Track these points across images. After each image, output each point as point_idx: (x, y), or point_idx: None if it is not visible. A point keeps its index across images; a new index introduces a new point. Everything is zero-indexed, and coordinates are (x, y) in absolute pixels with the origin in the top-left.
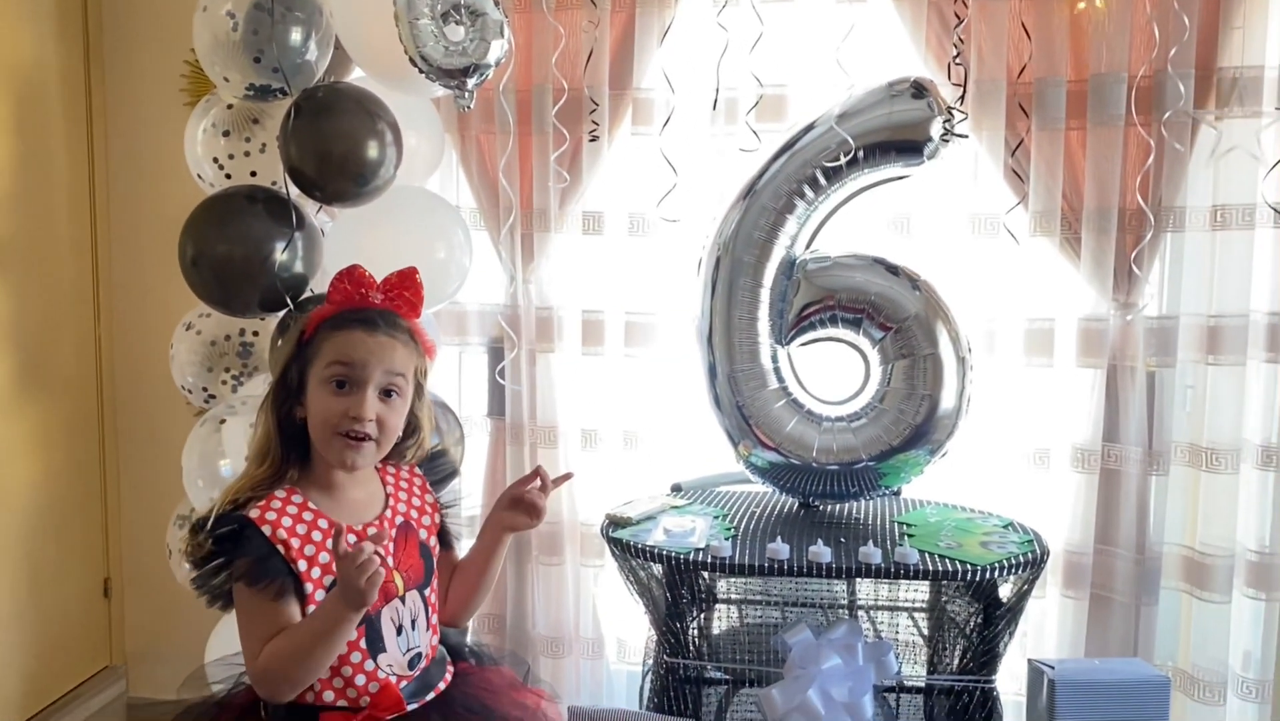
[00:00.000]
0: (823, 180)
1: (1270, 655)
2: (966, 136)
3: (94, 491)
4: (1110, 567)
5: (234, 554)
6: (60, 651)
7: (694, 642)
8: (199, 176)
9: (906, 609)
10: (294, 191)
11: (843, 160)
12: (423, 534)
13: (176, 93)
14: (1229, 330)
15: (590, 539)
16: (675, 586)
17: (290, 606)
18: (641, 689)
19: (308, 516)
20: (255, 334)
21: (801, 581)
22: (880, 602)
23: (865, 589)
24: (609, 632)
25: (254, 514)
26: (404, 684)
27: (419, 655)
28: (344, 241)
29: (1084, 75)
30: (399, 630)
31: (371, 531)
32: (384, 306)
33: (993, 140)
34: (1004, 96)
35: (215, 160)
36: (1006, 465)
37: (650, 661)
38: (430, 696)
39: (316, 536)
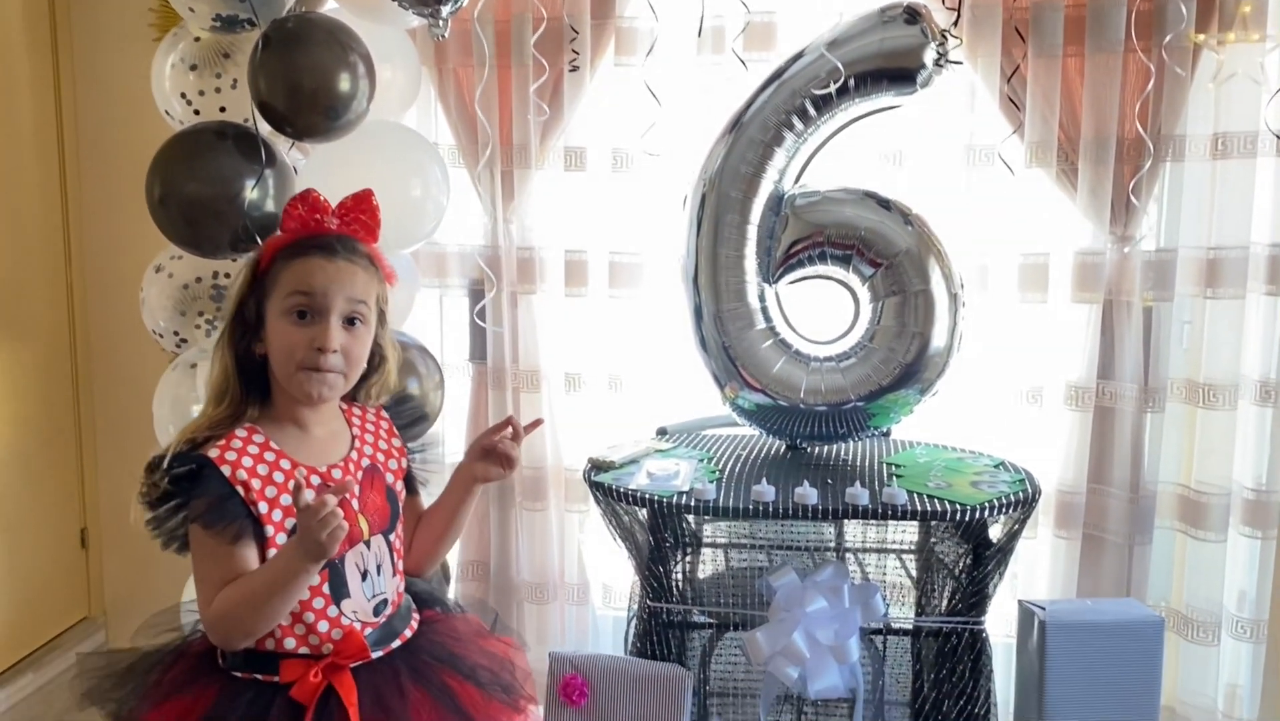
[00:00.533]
0: (812, 111)
1: (1266, 594)
2: (961, 63)
3: (69, 440)
4: (1103, 507)
5: (191, 494)
6: (38, 603)
7: (678, 587)
8: (167, 113)
9: (895, 551)
10: (264, 127)
11: (832, 88)
12: (389, 477)
13: (144, 27)
14: (1228, 263)
15: (574, 484)
16: (659, 530)
17: (248, 550)
18: (627, 634)
19: (269, 456)
20: (228, 275)
21: (788, 524)
22: (868, 545)
23: (853, 531)
24: (594, 578)
25: (213, 453)
26: (368, 631)
27: (384, 601)
28: (316, 179)
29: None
30: (364, 575)
31: (336, 474)
32: (340, 231)
33: (988, 67)
34: (1000, 21)
35: (183, 96)
36: (998, 404)
37: (635, 606)
38: (395, 644)
39: (278, 478)
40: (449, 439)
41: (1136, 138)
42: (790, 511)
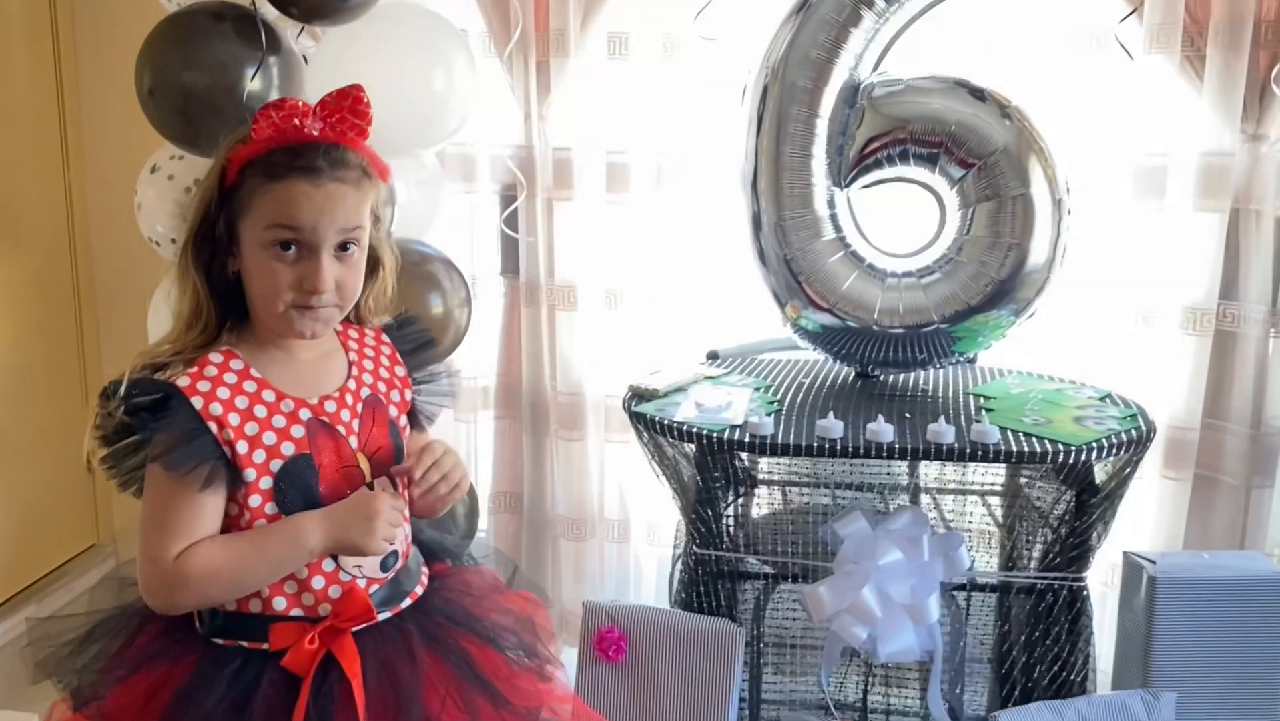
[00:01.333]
0: None
1: None
2: None
3: (71, 357)
4: (1219, 445)
5: (153, 428)
6: (43, 530)
7: (729, 532)
8: None
9: (978, 492)
10: (267, 8)
11: None
12: (392, 410)
13: None
14: None
15: (615, 412)
16: (707, 469)
17: (216, 499)
18: (671, 579)
19: (249, 386)
20: None
21: (856, 461)
22: (947, 486)
23: (930, 470)
24: (636, 515)
25: (183, 381)
26: (373, 588)
27: (393, 554)
28: (327, 68)
29: None
30: None
31: (330, 406)
32: (324, 138)
33: None
34: None
35: None
36: (1103, 327)
37: (680, 549)
38: (405, 604)
39: (260, 411)
40: (479, 359)
41: (1277, 17)
42: (861, 450)
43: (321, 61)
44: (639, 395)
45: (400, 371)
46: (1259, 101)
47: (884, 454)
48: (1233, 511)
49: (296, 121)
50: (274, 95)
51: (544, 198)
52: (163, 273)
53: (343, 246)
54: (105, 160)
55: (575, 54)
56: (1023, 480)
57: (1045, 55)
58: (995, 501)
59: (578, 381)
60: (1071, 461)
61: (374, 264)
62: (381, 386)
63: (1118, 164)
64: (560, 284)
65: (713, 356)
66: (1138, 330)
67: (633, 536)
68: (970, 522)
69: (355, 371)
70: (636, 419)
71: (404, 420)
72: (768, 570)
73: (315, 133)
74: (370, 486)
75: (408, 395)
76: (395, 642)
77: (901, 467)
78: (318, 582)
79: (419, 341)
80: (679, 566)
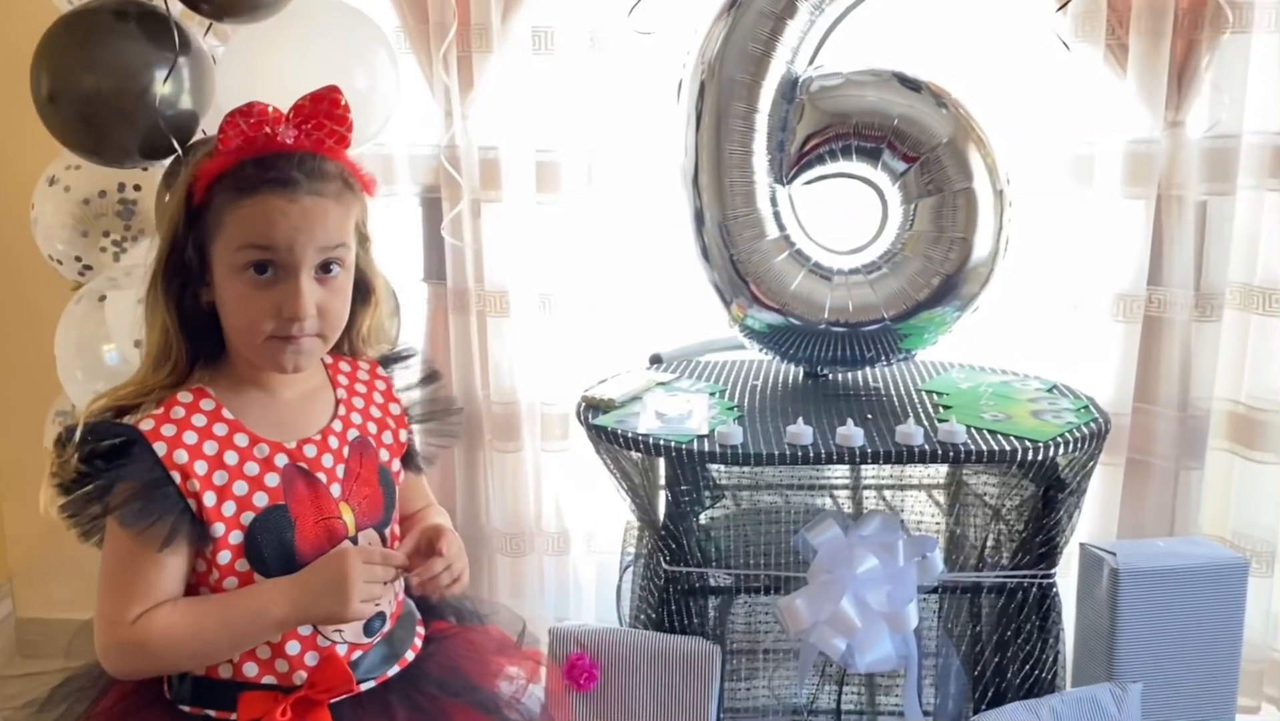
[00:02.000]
0: None
1: None
2: None
3: None
4: (1150, 429)
5: (108, 476)
6: None
7: (700, 546)
8: None
9: (921, 486)
10: (175, 6)
11: None
12: (383, 454)
13: None
14: None
15: (552, 420)
16: (677, 483)
17: (180, 557)
18: (619, 588)
19: (220, 430)
20: (138, 188)
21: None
22: (884, 481)
23: (870, 466)
24: (575, 525)
25: (146, 425)
26: (356, 654)
27: (380, 615)
28: (239, 69)
29: None
30: None
31: (310, 451)
32: (299, 147)
33: None
34: None
35: None
36: (1034, 315)
37: (630, 555)
38: (393, 670)
39: (231, 458)
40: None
41: (1194, 6)
42: (834, 455)
43: (232, 62)
44: (594, 406)
45: (395, 409)
46: (1178, 89)
47: (859, 459)
48: (1163, 494)
49: (267, 129)
50: (185, 99)
51: (470, 199)
52: (66, 294)
53: (324, 267)
54: None
55: (498, 49)
56: (964, 473)
57: (976, 45)
58: (938, 493)
59: (511, 390)
60: (1040, 458)
61: (366, 290)
62: (372, 427)
63: (1047, 153)
64: (491, 289)
65: (655, 360)
66: (1068, 318)
67: (572, 547)
68: (916, 518)
69: (342, 411)
70: (596, 432)
71: (397, 465)
72: (726, 582)
73: (289, 141)
74: (354, 540)
75: (403, 436)
76: (377, 716)
77: (841, 467)
78: (292, 648)
79: (422, 374)
80: (632, 577)
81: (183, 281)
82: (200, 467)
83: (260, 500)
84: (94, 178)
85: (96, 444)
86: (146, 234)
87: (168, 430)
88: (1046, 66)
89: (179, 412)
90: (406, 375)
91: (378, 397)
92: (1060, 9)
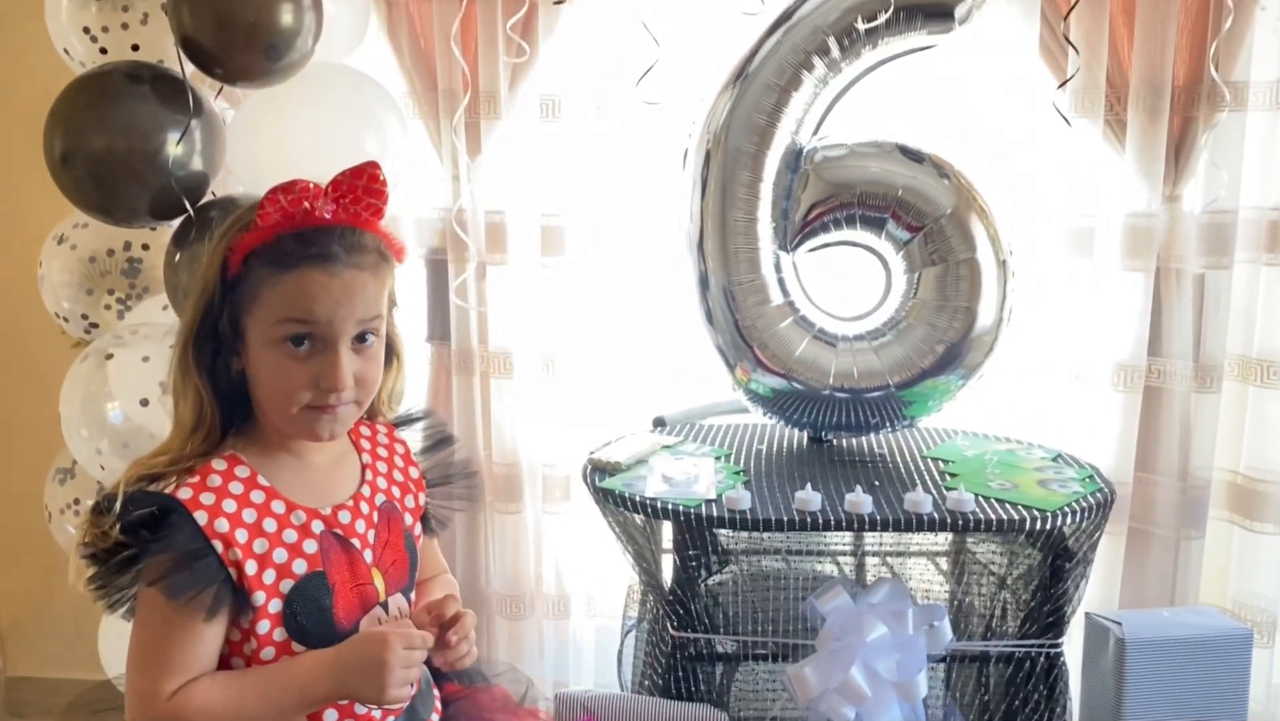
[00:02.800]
0: (835, 51)
1: None
2: None
3: None
4: (1150, 498)
5: (151, 547)
6: None
7: (708, 611)
8: (65, 52)
9: (926, 554)
10: (189, 68)
11: (881, 19)
12: (407, 519)
13: None
14: None
15: (553, 482)
16: (685, 547)
17: (220, 628)
18: (620, 651)
19: (257, 497)
20: (145, 247)
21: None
22: (887, 547)
23: (870, 534)
24: (575, 588)
25: (184, 494)
26: (389, 719)
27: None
28: (251, 132)
29: None
30: None
31: (344, 517)
32: (337, 220)
33: (1027, 6)
34: None
35: (86, 30)
36: (1036, 384)
37: (632, 618)
38: None
39: (270, 525)
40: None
41: (1191, 84)
42: (844, 522)
43: (245, 124)
44: (601, 469)
45: (414, 473)
46: (1176, 164)
47: (868, 526)
48: (1165, 563)
49: (307, 204)
50: (197, 161)
51: (476, 261)
52: (71, 352)
53: (360, 337)
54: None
55: (506, 115)
56: (969, 541)
57: (979, 118)
58: (942, 560)
59: (513, 451)
60: (1049, 527)
61: (391, 352)
62: (396, 492)
63: (1049, 224)
64: (495, 350)
65: (659, 422)
66: (1070, 387)
67: (573, 611)
68: (922, 586)
69: (369, 476)
70: (603, 495)
71: (418, 528)
72: (732, 648)
73: (328, 215)
74: (385, 606)
75: (421, 499)
76: None
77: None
78: (330, 716)
79: (436, 438)
80: (634, 642)
81: (214, 350)
82: (241, 536)
83: (299, 567)
84: (101, 236)
85: (137, 513)
86: (151, 292)
87: (207, 498)
88: (1048, 140)
89: (216, 480)
90: (422, 438)
91: (399, 461)
92: (1061, 85)
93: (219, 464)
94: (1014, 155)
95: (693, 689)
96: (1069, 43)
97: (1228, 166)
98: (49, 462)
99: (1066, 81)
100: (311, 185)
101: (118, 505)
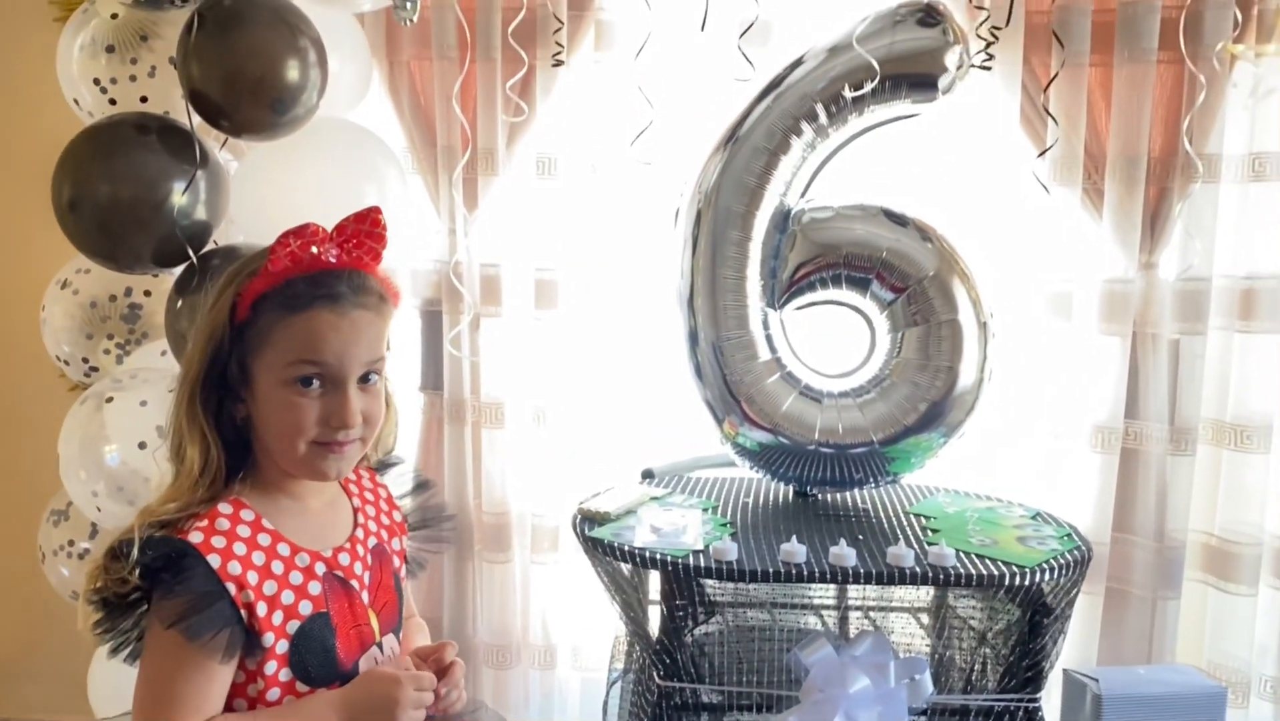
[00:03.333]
0: (823, 117)
1: None
2: (990, 68)
3: None
4: (1128, 558)
5: (172, 590)
6: None
7: (694, 661)
8: (75, 102)
9: (907, 610)
10: (196, 120)
11: (868, 88)
12: (395, 560)
13: (45, 4)
14: (1264, 294)
15: (542, 532)
16: (672, 596)
17: (230, 670)
18: (606, 703)
19: (264, 540)
20: (147, 294)
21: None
22: (869, 602)
23: (854, 588)
24: (561, 638)
25: (196, 538)
26: None
27: None
28: (254, 182)
29: (1111, 5)
30: None
31: (344, 559)
32: (342, 264)
33: (1008, 77)
34: (1022, 28)
35: (96, 82)
36: (1016, 444)
37: (618, 670)
38: None
39: (277, 568)
40: (393, 478)
41: (1166, 156)
42: (828, 575)
43: (248, 176)
44: (590, 519)
45: (398, 516)
46: (1151, 233)
47: (851, 579)
48: (1141, 623)
49: (315, 249)
50: (201, 210)
51: (472, 313)
52: (67, 394)
53: (365, 377)
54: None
55: (503, 172)
56: (950, 597)
57: (961, 185)
58: (923, 615)
59: (502, 500)
60: (1028, 583)
61: (385, 397)
62: (384, 535)
63: (1028, 289)
64: (487, 401)
65: (647, 475)
66: (1049, 447)
67: (558, 661)
68: (904, 641)
69: (361, 519)
70: (592, 544)
71: (404, 570)
72: (718, 699)
73: (333, 259)
74: (380, 646)
75: (406, 542)
76: None
77: (829, 587)
78: None
79: (415, 482)
80: (623, 689)
81: (219, 396)
82: (252, 578)
83: (305, 608)
84: (103, 281)
85: (153, 556)
86: (150, 338)
87: (218, 541)
88: (1028, 208)
89: (224, 524)
90: (400, 483)
91: (383, 504)
92: (1040, 155)
93: (225, 508)
94: (996, 221)
95: None
96: (1048, 114)
97: (1201, 236)
98: (43, 504)
99: (1046, 151)
100: (319, 229)
101: (135, 550)
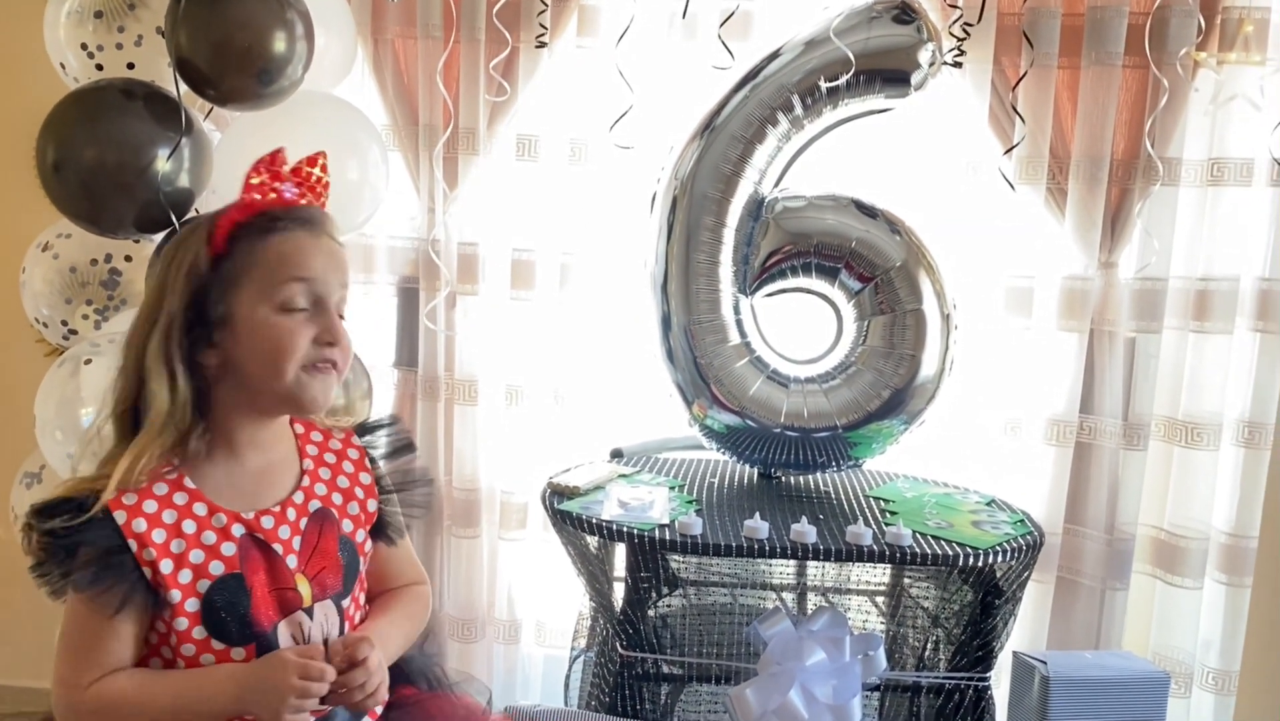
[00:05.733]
0: (799, 108)
1: (1238, 644)
2: (961, 65)
3: None
4: (1078, 549)
5: (67, 544)
6: None
7: (656, 632)
8: (61, 66)
9: (865, 592)
10: (183, 88)
11: (842, 80)
12: (346, 525)
13: None
14: (1218, 295)
15: (511, 509)
16: (637, 569)
17: (133, 625)
18: (568, 678)
19: (180, 499)
20: (127, 259)
21: (757, 560)
22: (826, 584)
23: (812, 568)
24: (525, 614)
25: (121, 517)
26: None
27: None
28: (237, 152)
29: (1079, 9)
30: None
31: (267, 522)
32: (298, 200)
33: (978, 76)
34: (993, 29)
35: (84, 48)
36: (972, 434)
37: (580, 645)
38: None
39: (189, 527)
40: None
41: (1128, 158)
42: (788, 550)
43: (232, 145)
44: (559, 492)
45: (366, 479)
46: (1112, 232)
47: (810, 554)
48: (1090, 612)
49: (279, 185)
50: (184, 178)
51: (447, 290)
52: (40, 357)
53: (339, 310)
54: None
55: (484, 152)
56: (906, 579)
57: (925, 182)
58: (881, 600)
59: (473, 477)
60: (980, 564)
61: None
62: (337, 498)
63: (990, 283)
64: (461, 378)
65: (616, 454)
66: (1005, 439)
67: (522, 637)
68: (860, 620)
69: (306, 481)
70: (561, 517)
71: (362, 535)
72: (678, 670)
73: (291, 195)
74: (309, 612)
75: (371, 506)
76: None
77: (786, 566)
78: None
79: (395, 445)
80: (585, 665)
81: (199, 337)
82: (159, 536)
83: (216, 568)
84: (84, 246)
85: (66, 516)
86: (129, 305)
87: (129, 499)
88: (993, 204)
89: (142, 481)
90: (384, 444)
91: (347, 466)
92: (1007, 152)
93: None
94: (961, 216)
95: (638, 707)
96: (1016, 113)
97: (1159, 237)
98: (16, 465)
99: (1012, 149)
100: (282, 155)
101: (52, 508)
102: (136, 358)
